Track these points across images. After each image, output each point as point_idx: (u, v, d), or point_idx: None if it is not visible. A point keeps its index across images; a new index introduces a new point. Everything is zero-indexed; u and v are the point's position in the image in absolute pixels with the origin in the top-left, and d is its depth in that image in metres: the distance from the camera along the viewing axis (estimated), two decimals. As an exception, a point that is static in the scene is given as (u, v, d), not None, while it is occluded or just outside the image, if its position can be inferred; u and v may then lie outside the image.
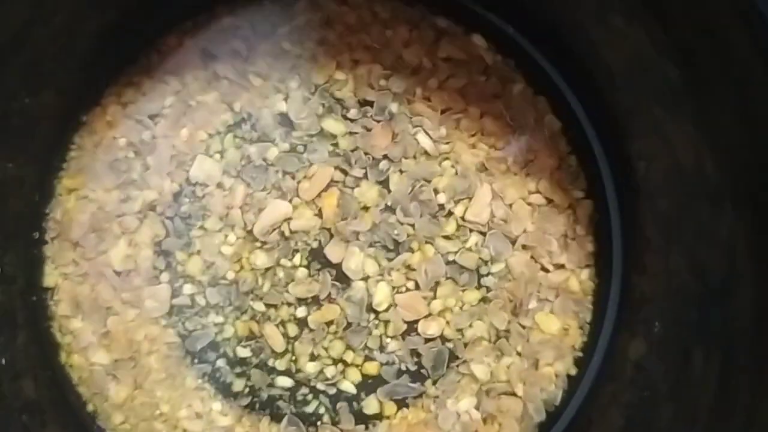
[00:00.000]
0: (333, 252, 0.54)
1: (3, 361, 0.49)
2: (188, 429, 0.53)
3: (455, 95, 0.56)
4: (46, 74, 0.50)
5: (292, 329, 0.54)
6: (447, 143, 0.56)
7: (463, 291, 0.55)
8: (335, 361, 0.54)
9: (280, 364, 0.54)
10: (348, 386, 0.54)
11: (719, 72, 0.40)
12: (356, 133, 0.56)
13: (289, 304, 0.54)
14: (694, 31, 0.41)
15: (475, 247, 0.55)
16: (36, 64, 0.49)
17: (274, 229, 0.54)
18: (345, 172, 0.55)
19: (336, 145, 0.55)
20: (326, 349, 0.54)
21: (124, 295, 0.54)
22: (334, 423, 0.54)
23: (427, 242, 0.55)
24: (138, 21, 0.54)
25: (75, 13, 0.49)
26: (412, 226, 0.55)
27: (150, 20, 0.55)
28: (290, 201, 0.55)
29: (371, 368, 0.54)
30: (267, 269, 0.54)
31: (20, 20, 0.45)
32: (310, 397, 0.54)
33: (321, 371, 0.54)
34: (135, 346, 0.53)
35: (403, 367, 0.54)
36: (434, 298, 0.54)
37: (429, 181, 0.55)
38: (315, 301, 0.54)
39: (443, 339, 0.54)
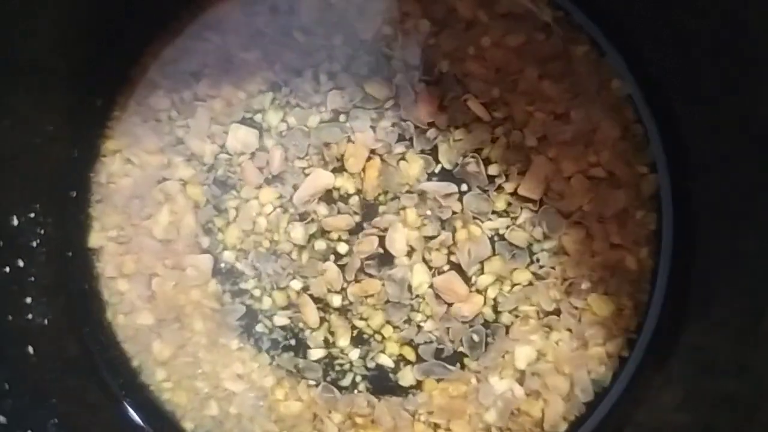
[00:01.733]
0: (375, 227, 0.52)
1: (46, 321, 0.50)
2: (229, 388, 0.53)
3: (511, 55, 0.52)
4: (83, 28, 0.49)
5: (332, 300, 0.53)
6: (501, 108, 0.52)
7: (513, 271, 0.52)
8: (374, 333, 0.53)
9: (318, 335, 0.53)
10: (385, 360, 0.53)
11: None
12: (402, 97, 0.52)
13: (328, 277, 0.53)
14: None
15: (526, 225, 0.52)
16: (73, 17, 0.48)
17: (314, 200, 0.53)
18: (388, 143, 0.52)
19: (380, 111, 0.53)
20: (365, 320, 0.53)
21: (167, 261, 0.53)
22: (370, 392, 0.53)
23: (474, 219, 0.52)
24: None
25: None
26: (460, 201, 0.52)
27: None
28: (332, 171, 0.53)
29: (409, 348, 0.53)
30: (306, 242, 0.53)
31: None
32: (347, 366, 0.53)
33: (359, 346, 0.53)
34: (178, 309, 0.54)
35: (441, 347, 0.53)
36: (481, 273, 0.52)
37: (480, 151, 0.52)
38: (355, 275, 0.53)
39: (485, 321, 0.52)
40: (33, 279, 0.50)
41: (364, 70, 0.53)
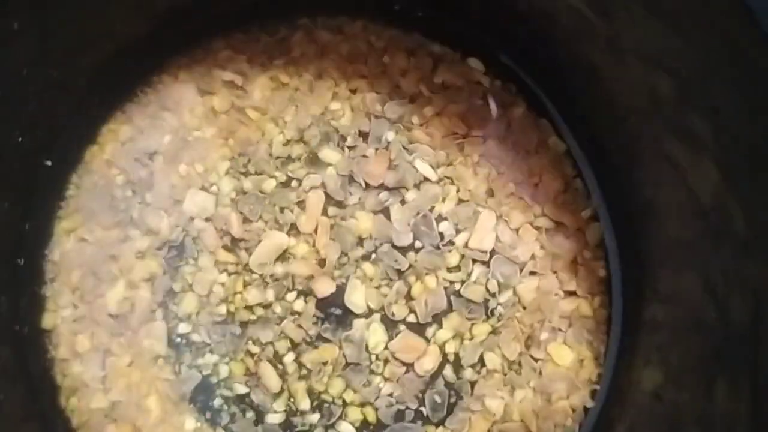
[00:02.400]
0: (329, 286, 0.53)
1: (2, 407, 0.48)
2: (191, 478, 0.51)
3: (456, 120, 0.55)
4: (40, 112, 0.50)
5: (290, 368, 0.52)
6: (448, 167, 0.54)
7: (472, 324, 0.52)
8: (334, 401, 0.52)
9: (278, 405, 0.52)
10: (347, 426, 0.51)
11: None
12: (353, 160, 0.54)
13: (285, 343, 0.52)
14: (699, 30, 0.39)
15: (480, 279, 0.53)
16: (29, 101, 0.49)
17: (270, 262, 0.53)
18: (340, 204, 0.54)
19: (332, 174, 0.54)
20: (325, 388, 0.52)
21: (122, 339, 0.52)
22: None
23: (427, 274, 0.53)
24: (133, 57, 0.54)
25: (69, 50, 0.50)
26: (414, 257, 0.53)
27: (145, 56, 0.55)
28: (287, 233, 0.54)
29: (370, 412, 0.52)
30: (262, 305, 0.53)
31: (14, 58, 0.46)
32: (309, 435, 0.52)
33: (319, 411, 0.52)
34: (133, 389, 0.52)
35: (403, 408, 0.52)
36: (440, 328, 0.52)
37: (431, 209, 0.54)
38: (312, 340, 0.52)
39: (446, 381, 0.52)
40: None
41: (316, 140, 0.55)
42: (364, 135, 0.55)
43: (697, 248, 0.45)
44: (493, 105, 0.54)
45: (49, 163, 0.53)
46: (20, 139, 0.48)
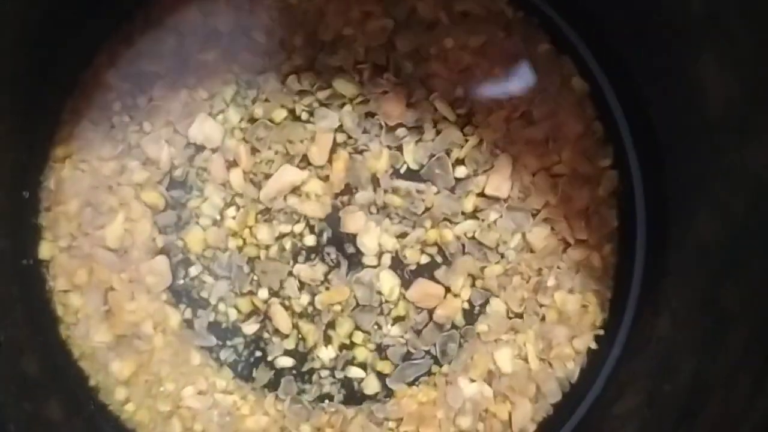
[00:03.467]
0: (345, 224, 0.51)
1: (2, 338, 0.47)
2: (192, 407, 0.51)
3: (475, 54, 0.52)
4: (33, 31, 0.46)
5: (299, 308, 0.51)
6: (465, 107, 0.52)
7: (483, 268, 0.52)
8: (343, 342, 0.52)
9: (288, 343, 0.51)
10: (355, 368, 0.52)
11: None
12: (368, 96, 0.52)
13: (295, 282, 0.51)
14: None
15: (493, 224, 0.52)
16: (21, 21, 0.45)
17: (281, 196, 0.51)
18: (355, 139, 0.52)
19: (347, 110, 0.52)
20: (334, 329, 0.52)
21: (123, 275, 0.51)
22: (340, 402, 0.52)
23: (444, 220, 0.51)
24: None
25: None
26: (429, 200, 0.51)
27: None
28: (298, 166, 0.51)
29: (379, 354, 0.52)
30: (272, 242, 0.51)
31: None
32: (315, 377, 0.52)
33: (328, 352, 0.52)
34: (138, 324, 0.51)
35: (412, 350, 0.52)
36: (452, 274, 0.52)
37: (449, 152, 0.52)
38: (323, 281, 0.51)
39: (455, 324, 0.52)
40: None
41: (327, 69, 0.52)
42: (380, 67, 0.52)
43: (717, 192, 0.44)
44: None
45: (42, 83, 0.49)
46: (10, 67, 0.45)
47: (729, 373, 0.41)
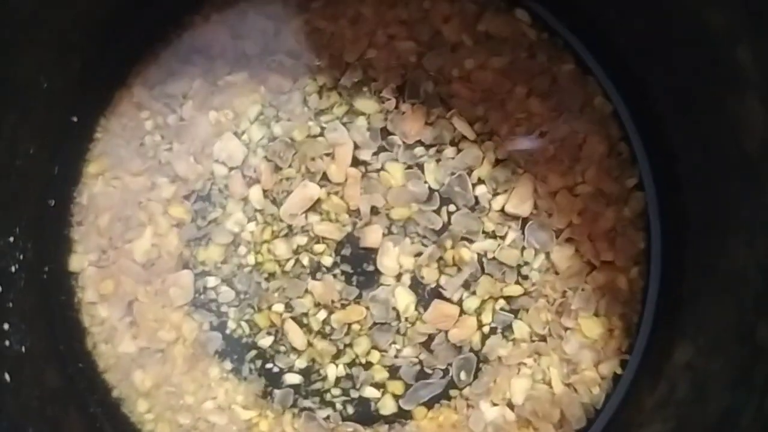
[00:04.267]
0: (363, 242, 0.52)
1: (23, 349, 0.48)
2: (212, 421, 0.52)
3: (498, 74, 0.52)
4: (68, 51, 0.48)
5: (315, 325, 0.52)
6: (487, 124, 0.52)
7: (503, 288, 0.51)
8: (358, 360, 0.51)
9: (301, 361, 0.52)
10: (371, 388, 0.51)
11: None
12: (389, 113, 0.52)
13: (311, 299, 0.52)
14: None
15: (514, 243, 0.51)
16: (58, 40, 0.47)
17: (301, 213, 0.52)
18: (372, 157, 0.52)
19: (365, 126, 0.52)
20: (351, 347, 0.51)
21: (149, 287, 0.52)
22: (356, 421, 0.51)
23: (462, 239, 0.51)
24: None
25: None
26: (447, 219, 0.51)
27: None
28: (318, 184, 0.52)
29: (395, 375, 0.51)
30: (289, 257, 0.52)
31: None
32: (328, 396, 0.52)
33: (343, 370, 0.51)
34: (161, 336, 0.52)
35: (427, 370, 0.51)
36: (472, 294, 0.51)
37: (467, 170, 0.52)
38: (339, 298, 0.52)
39: (472, 347, 0.51)
40: (11, 305, 0.48)
41: (350, 90, 0.53)
42: (400, 88, 0.53)
43: (740, 218, 0.43)
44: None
45: (76, 104, 0.52)
46: (45, 84, 0.47)
47: (759, 407, 0.39)
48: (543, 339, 0.51)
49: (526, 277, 0.51)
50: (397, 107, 0.52)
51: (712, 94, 0.43)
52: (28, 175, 0.50)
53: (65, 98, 0.50)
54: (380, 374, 0.51)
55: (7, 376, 0.46)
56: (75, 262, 0.53)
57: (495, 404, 0.51)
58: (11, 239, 0.49)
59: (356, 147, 0.52)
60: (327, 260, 0.52)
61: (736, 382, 0.42)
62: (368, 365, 0.51)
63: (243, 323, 0.52)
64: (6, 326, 0.47)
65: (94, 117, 0.53)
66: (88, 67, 0.51)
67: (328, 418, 0.51)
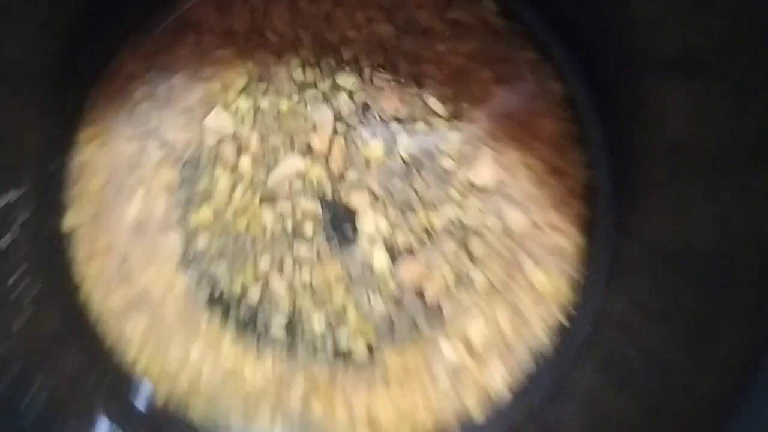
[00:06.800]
0: (344, 207, 0.57)
1: (25, 304, 0.52)
2: (201, 370, 0.56)
3: (466, 58, 0.58)
4: (62, 23, 0.51)
5: (298, 281, 0.57)
6: (455, 103, 0.58)
7: (467, 248, 0.57)
8: (337, 312, 0.57)
9: (284, 316, 0.56)
10: (349, 339, 0.56)
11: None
12: (368, 91, 0.57)
13: (295, 259, 0.57)
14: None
15: (478, 210, 0.57)
16: (54, 12, 0.50)
17: (286, 182, 0.57)
18: (353, 128, 0.57)
19: (347, 101, 0.57)
20: (330, 301, 0.57)
21: (140, 246, 0.56)
22: (331, 364, 0.57)
23: (432, 206, 0.57)
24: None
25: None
26: (420, 189, 0.57)
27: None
28: (302, 155, 0.57)
29: (369, 325, 0.57)
30: (275, 222, 0.57)
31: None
32: (311, 348, 0.57)
33: (324, 321, 0.57)
34: (150, 292, 0.56)
35: (397, 321, 0.57)
36: (438, 255, 0.57)
37: (437, 145, 0.57)
38: (319, 258, 0.57)
39: (438, 299, 0.57)
40: (14, 262, 0.51)
41: (332, 67, 0.58)
42: (379, 66, 0.58)
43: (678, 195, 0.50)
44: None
45: (69, 73, 0.54)
46: (38, 56, 0.50)
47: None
48: (498, 292, 0.58)
49: (486, 239, 0.58)
50: (374, 84, 0.58)
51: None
52: (27, 141, 0.53)
53: (59, 69, 0.53)
54: (356, 324, 0.57)
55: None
56: (68, 222, 0.56)
57: (454, 347, 0.57)
58: (11, 202, 0.52)
59: (338, 120, 0.57)
60: (309, 225, 0.57)
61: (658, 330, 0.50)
62: (346, 317, 0.57)
63: (231, 280, 0.57)
64: (10, 281, 0.51)
65: (87, 87, 0.56)
66: (81, 42, 0.54)
67: (305, 362, 0.57)
